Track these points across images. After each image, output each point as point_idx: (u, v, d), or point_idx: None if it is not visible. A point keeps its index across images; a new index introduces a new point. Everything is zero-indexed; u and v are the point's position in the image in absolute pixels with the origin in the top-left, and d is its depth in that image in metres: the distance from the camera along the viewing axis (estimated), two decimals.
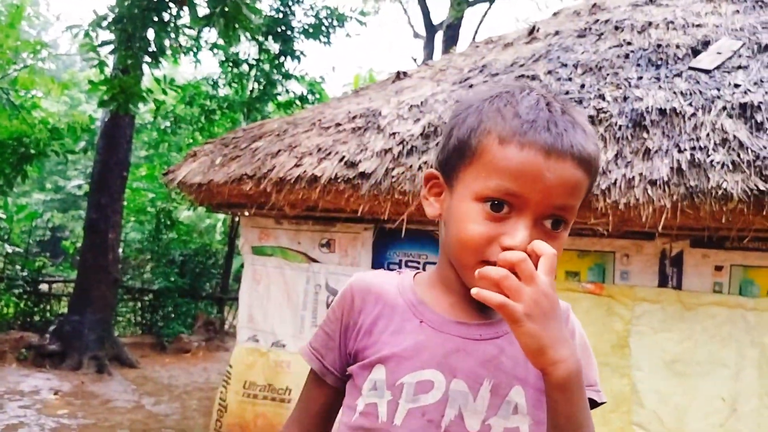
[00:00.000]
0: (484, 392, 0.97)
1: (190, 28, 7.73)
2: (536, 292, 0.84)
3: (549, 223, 0.93)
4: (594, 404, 1.03)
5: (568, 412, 0.89)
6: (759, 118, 3.48)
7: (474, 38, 14.45)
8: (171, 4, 6.97)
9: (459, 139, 0.98)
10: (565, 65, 4.51)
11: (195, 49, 10.80)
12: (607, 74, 4.26)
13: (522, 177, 0.90)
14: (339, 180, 3.95)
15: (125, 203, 10.27)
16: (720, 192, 3.14)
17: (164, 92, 9.75)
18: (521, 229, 0.90)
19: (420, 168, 3.77)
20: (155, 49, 7.28)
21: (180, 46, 8.48)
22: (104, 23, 7.04)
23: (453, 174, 0.99)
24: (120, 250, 10.19)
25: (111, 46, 7.24)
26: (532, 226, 0.91)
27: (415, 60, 14.56)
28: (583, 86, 4.17)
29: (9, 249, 9.86)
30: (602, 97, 3.97)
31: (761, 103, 3.56)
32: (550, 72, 4.46)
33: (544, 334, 0.84)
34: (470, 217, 0.93)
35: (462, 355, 0.98)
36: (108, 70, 7.96)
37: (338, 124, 4.51)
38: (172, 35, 7.73)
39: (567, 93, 4.11)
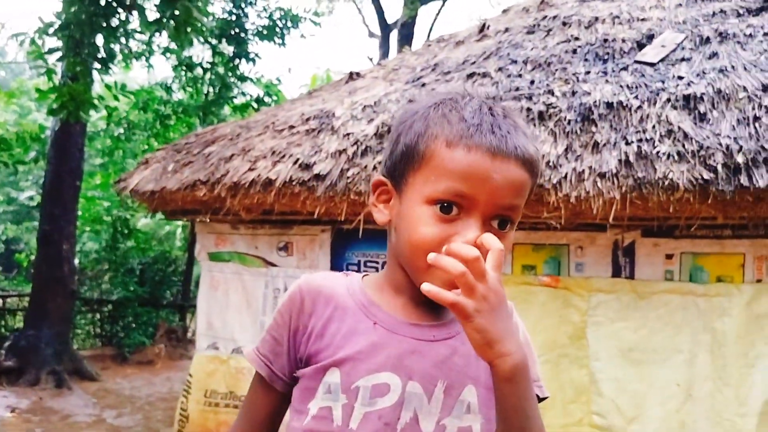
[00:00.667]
0: (438, 393, 0.98)
1: (140, 32, 7.60)
2: (487, 288, 0.86)
3: (496, 223, 0.96)
4: (538, 399, 1.05)
5: (516, 404, 0.91)
6: (702, 108, 3.57)
7: (428, 36, 14.52)
8: (119, 9, 6.83)
9: (406, 145, 1.00)
10: (515, 62, 4.56)
11: (147, 54, 10.61)
12: (556, 69, 4.32)
13: (470, 178, 0.93)
14: (294, 182, 3.92)
15: (80, 213, 10.04)
16: (667, 182, 3.21)
17: (116, 98, 9.56)
18: (472, 228, 0.93)
19: (375, 168, 3.77)
20: (105, 55, 7.13)
21: (131, 51, 8.34)
22: (51, 30, 6.87)
23: (402, 179, 1.00)
24: (76, 261, 9.95)
25: (59, 53, 7.07)
26: (481, 226, 0.94)
27: (371, 59, 14.56)
28: (532, 82, 4.22)
29: None
30: (551, 92, 4.03)
31: (704, 94, 3.65)
32: (500, 69, 4.50)
33: (493, 329, 0.86)
34: (421, 220, 0.95)
35: (416, 357, 0.98)
36: (57, 78, 7.77)
37: (292, 127, 4.48)
38: (122, 40, 7.58)
39: (517, 89, 4.16)
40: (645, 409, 3.70)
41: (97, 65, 7.10)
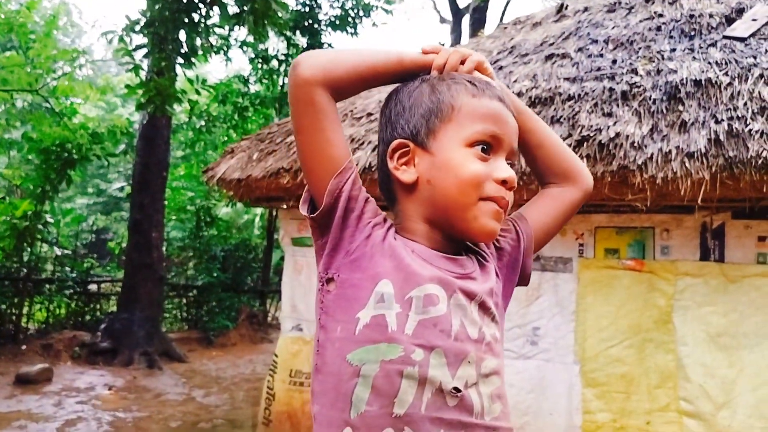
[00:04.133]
0: (474, 306, 1.07)
1: (220, 27, 7.85)
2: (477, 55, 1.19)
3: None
4: None
5: (518, 104, 1.23)
6: None
7: (501, 20, 14.30)
8: (201, 5, 7.08)
9: (433, 104, 1.11)
10: (596, 41, 4.47)
11: (225, 48, 10.94)
12: (639, 48, 4.21)
13: (499, 120, 1.09)
14: (373, 169, 3.99)
15: (166, 202, 10.49)
16: (760, 161, 3.09)
17: (197, 92, 9.90)
18: (505, 165, 1.10)
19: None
20: (187, 50, 7.41)
21: (211, 45, 8.63)
22: (137, 27, 7.19)
23: (430, 135, 1.10)
24: (163, 248, 10.42)
25: (145, 50, 7.39)
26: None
27: (443, 45, 14.47)
28: (614, 62, 4.13)
29: (58, 252, 10.17)
30: (635, 71, 3.93)
31: None
32: (580, 49, 4.42)
33: (491, 68, 1.20)
34: (467, 159, 1.07)
35: (453, 277, 1.07)
36: (143, 74, 8.13)
37: (370, 114, 4.55)
38: (203, 35, 7.86)
39: (599, 69, 4.08)
40: (735, 396, 3.59)
41: (180, 60, 7.38)
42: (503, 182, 1.07)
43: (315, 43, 11.51)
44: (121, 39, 7.53)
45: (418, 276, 1.04)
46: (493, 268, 1.16)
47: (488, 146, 1.09)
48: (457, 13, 15.28)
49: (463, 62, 1.16)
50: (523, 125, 1.22)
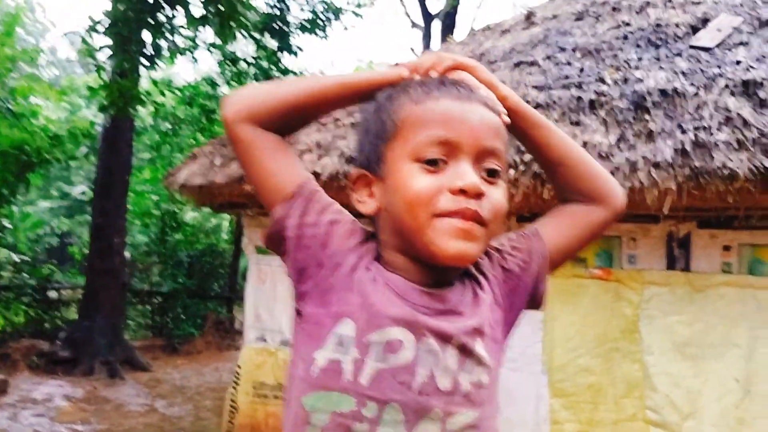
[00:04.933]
0: (452, 350, 0.95)
1: (185, 28, 7.71)
2: (457, 56, 1.06)
3: (485, 174, 0.96)
4: None
5: (538, 120, 1.11)
6: (762, 94, 3.43)
7: (472, 26, 14.37)
8: (165, 6, 6.94)
9: (377, 126, 1.01)
10: (564, 49, 4.46)
11: (192, 49, 10.76)
12: (607, 57, 4.21)
13: (447, 122, 0.94)
14: (340, 176, 3.92)
15: (130, 207, 10.28)
16: (726, 172, 3.09)
17: (162, 94, 9.73)
18: (466, 170, 0.93)
19: None
20: (152, 51, 7.26)
21: (176, 46, 8.47)
22: (100, 28, 7.02)
23: (380, 160, 1.00)
24: (127, 253, 10.20)
25: (108, 51, 7.22)
26: (472, 168, 0.94)
27: (413, 50, 14.48)
28: (582, 70, 4.12)
29: (16, 258, 9.89)
30: (602, 80, 3.93)
31: (764, 79, 3.51)
32: (548, 57, 4.41)
33: (491, 75, 1.07)
34: (410, 176, 0.94)
35: (428, 317, 0.95)
36: (106, 75, 7.95)
37: (337, 119, 4.48)
38: (168, 36, 7.71)
39: (566, 77, 4.07)
40: (701, 405, 3.59)
41: (144, 61, 7.23)
42: (461, 191, 0.92)
43: (284, 45, 11.39)
44: (83, 40, 7.35)
45: (382, 317, 0.94)
46: (488, 297, 1.03)
47: (438, 160, 0.94)
48: (428, 18, 15.30)
49: (437, 67, 1.05)
50: (541, 140, 1.11)
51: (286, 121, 1.04)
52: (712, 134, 3.27)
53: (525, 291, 1.08)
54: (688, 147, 3.25)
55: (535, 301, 1.11)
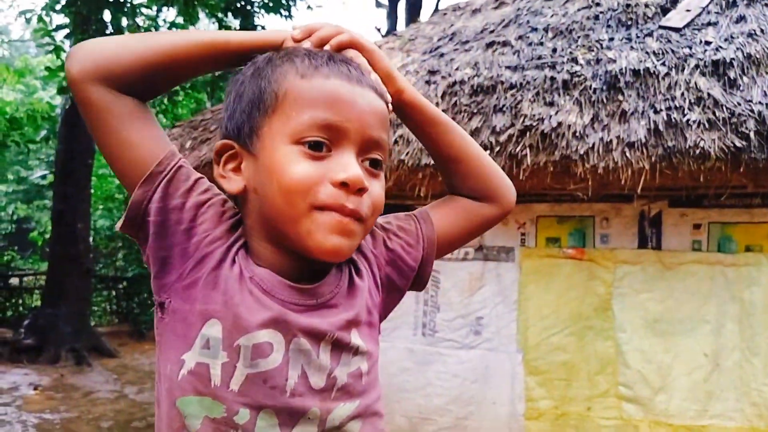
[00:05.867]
0: (325, 347, 0.90)
1: (147, 7, 7.51)
2: (355, 32, 0.97)
3: (367, 163, 0.90)
4: None
5: (434, 115, 1.05)
6: (732, 74, 3.48)
7: (437, 6, 14.30)
8: None
9: (253, 93, 0.90)
10: (536, 29, 4.46)
11: (154, 29, 10.50)
12: (578, 37, 4.23)
13: (335, 103, 0.86)
14: None
15: (92, 191, 10.04)
16: (698, 151, 3.14)
17: None
18: (350, 161, 0.86)
19: (396, 142, 3.71)
20: (112, 31, 7.06)
21: (138, 26, 8.25)
22: (58, 6, 6.80)
23: (253, 133, 0.89)
24: (90, 239, 9.98)
25: (66, 30, 7.01)
26: (357, 160, 0.88)
27: (379, 30, 14.35)
28: (555, 50, 4.13)
29: None
30: (575, 60, 3.94)
31: (733, 59, 3.56)
32: (521, 37, 4.40)
33: (387, 63, 0.98)
34: (289, 160, 0.85)
35: (298, 314, 0.89)
36: (65, 55, 7.69)
37: None
38: (129, 15, 7.50)
39: (539, 58, 4.07)
40: (672, 380, 3.68)
41: None
42: (343, 185, 0.84)
43: (248, 25, 11.18)
44: (40, 18, 7.11)
45: (248, 320, 0.86)
46: (366, 283, 0.98)
47: (322, 144, 0.86)
48: None
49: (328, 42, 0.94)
50: (437, 137, 1.06)
51: (146, 83, 0.89)
52: (684, 114, 3.31)
53: (409, 274, 1.05)
54: (660, 127, 3.29)
55: (419, 284, 1.08)
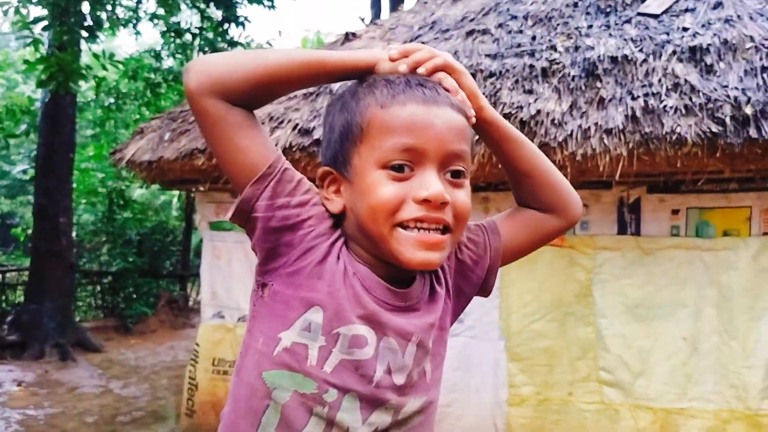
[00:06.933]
0: (411, 348, 1.01)
1: None
2: (446, 54, 1.04)
3: (449, 176, 0.97)
4: None
5: (509, 131, 1.11)
6: (708, 60, 3.50)
7: None
8: None
9: (342, 125, 1.00)
10: (515, 17, 4.46)
11: (134, 21, 10.39)
12: (558, 24, 4.24)
13: (413, 129, 0.94)
14: (294, 148, 3.86)
15: (74, 185, 9.94)
16: (674, 137, 3.17)
17: (104, 68, 9.37)
18: (431, 179, 0.94)
19: None
20: (91, 23, 6.98)
21: (117, 18, 8.15)
22: None
23: (347, 162, 0.99)
24: (73, 233, 9.90)
25: (44, 22, 6.91)
26: (438, 175, 0.95)
27: (362, 20, 14.29)
28: (534, 38, 4.14)
29: None
30: (554, 48, 3.95)
31: (710, 45, 3.59)
32: (500, 25, 4.41)
33: (473, 84, 1.05)
34: (376, 183, 0.95)
35: (390, 315, 1.00)
36: (44, 48, 7.61)
37: None
38: (108, 7, 7.41)
39: (519, 45, 4.07)
40: (651, 364, 3.73)
41: (84, 33, 6.94)
42: (425, 201, 0.93)
43: (230, 15, 11.09)
44: (17, 11, 7.01)
45: (349, 312, 0.97)
46: (443, 292, 1.08)
47: (404, 166, 0.95)
48: None
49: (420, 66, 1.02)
50: (512, 153, 1.12)
51: (254, 96, 0.99)
52: (661, 100, 3.33)
53: (476, 282, 1.14)
54: (638, 113, 3.31)
55: (484, 291, 1.16)
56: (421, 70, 1.01)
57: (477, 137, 1.10)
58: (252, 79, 0.97)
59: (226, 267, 4.70)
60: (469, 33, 4.40)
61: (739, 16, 3.80)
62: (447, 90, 1.00)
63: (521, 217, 1.17)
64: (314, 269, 0.98)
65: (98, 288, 11.21)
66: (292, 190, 0.99)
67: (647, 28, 3.93)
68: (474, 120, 1.03)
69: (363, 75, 1.02)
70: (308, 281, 0.98)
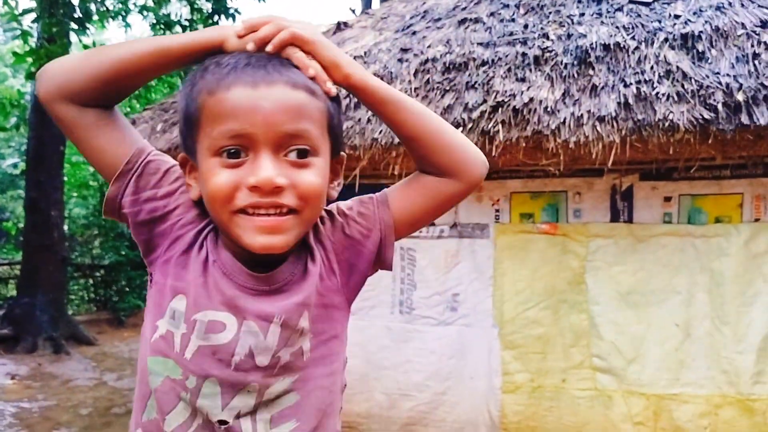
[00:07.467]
0: (274, 328, 0.99)
1: None
2: (300, 24, 0.97)
3: (293, 156, 0.94)
4: None
5: (388, 95, 1.04)
6: (700, 47, 3.51)
7: None
8: None
9: (183, 113, 0.99)
10: (507, 6, 4.46)
11: (123, 13, 10.31)
12: (550, 12, 4.23)
13: (239, 114, 0.90)
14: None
15: (65, 179, 9.89)
16: (667, 124, 3.18)
17: None
18: (262, 164, 0.90)
19: (369, 120, 3.70)
20: (81, 15, 6.93)
21: (107, 9, 8.09)
22: None
23: (192, 149, 0.98)
24: (65, 227, 9.85)
25: (33, 14, 6.86)
26: (273, 160, 0.91)
27: (353, 10, 14.22)
28: (526, 26, 4.14)
29: None
30: (546, 36, 3.95)
31: (701, 32, 3.59)
32: (492, 14, 4.40)
33: (333, 51, 0.99)
34: (211, 171, 0.93)
35: (251, 300, 0.99)
36: (33, 40, 7.55)
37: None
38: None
39: (511, 34, 4.07)
40: (644, 350, 3.75)
41: (73, 25, 6.89)
42: (255, 188, 0.91)
43: (220, 7, 11.02)
44: (5, 2, 6.95)
45: (207, 300, 0.99)
46: (318, 269, 1.04)
47: (239, 151, 0.92)
48: None
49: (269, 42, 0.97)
50: (391, 116, 1.05)
51: (104, 94, 0.99)
52: (653, 87, 3.34)
53: (368, 256, 1.09)
54: (631, 100, 3.31)
55: (382, 264, 1.11)
56: (268, 48, 0.96)
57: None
58: (97, 79, 0.97)
59: None
60: (461, 22, 4.39)
61: (730, 3, 3.81)
62: (296, 66, 0.96)
63: (417, 184, 1.10)
64: (180, 258, 1.01)
65: (91, 281, 11.18)
66: (158, 182, 1.01)
67: (639, 15, 3.93)
68: (333, 91, 0.98)
69: (212, 55, 0.98)
70: (176, 270, 1.01)
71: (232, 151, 0.92)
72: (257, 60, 0.94)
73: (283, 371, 1.01)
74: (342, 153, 1.08)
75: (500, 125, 3.46)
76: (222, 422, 0.98)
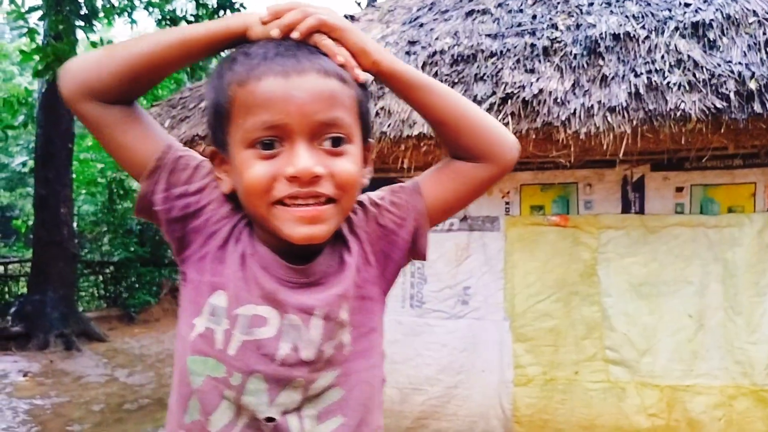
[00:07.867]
0: (316, 321, 0.97)
1: None
2: (325, 10, 0.95)
3: (328, 144, 0.93)
4: None
5: (413, 78, 1.03)
6: (711, 35, 3.48)
7: None
8: None
9: (212, 106, 0.98)
10: None
11: (129, 9, 10.32)
12: (558, 2, 4.19)
13: (272, 105, 0.89)
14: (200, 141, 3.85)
15: (74, 176, 9.93)
16: (678, 113, 3.14)
17: None
18: (298, 154, 0.90)
19: (377, 114, 3.69)
20: (87, 12, 6.93)
21: (113, 6, 8.09)
22: None
23: (224, 142, 0.97)
24: (74, 224, 9.90)
25: (40, 12, 6.87)
26: (308, 149, 0.91)
27: (359, 3, 14.20)
28: (534, 17, 4.10)
29: None
30: (555, 26, 3.91)
31: (712, 20, 3.55)
32: (500, 5, 4.37)
33: (361, 37, 0.97)
34: (245, 163, 0.92)
35: (291, 292, 0.98)
36: (40, 38, 7.56)
37: None
38: None
39: (519, 25, 4.04)
40: (657, 341, 3.73)
41: (80, 22, 6.89)
42: (294, 178, 0.89)
43: (225, 2, 11.00)
44: (12, 0, 6.96)
45: (249, 293, 0.97)
46: (355, 260, 1.03)
47: (273, 142, 0.91)
48: None
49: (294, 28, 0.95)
50: (420, 101, 1.04)
51: (128, 90, 0.97)
52: (664, 77, 3.31)
53: (403, 246, 1.07)
54: (641, 90, 3.28)
55: (417, 254, 1.10)
56: (294, 35, 0.94)
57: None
58: (123, 74, 0.95)
59: None
60: (469, 13, 4.36)
61: None
62: (325, 53, 0.95)
63: (448, 170, 1.09)
64: (217, 253, 0.99)
65: (100, 278, 11.24)
66: (189, 177, 0.99)
67: (649, 4, 3.89)
68: (362, 78, 0.97)
69: (237, 43, 0.97)
70: (213, 266, 0.98)
71: (267, 142, 0.91)
72: (286, 49, 0.93)
73: (327, 365, 0.99)
74: (370, 140, 1.05)
75: (510, 117, 3.43)
76: (269, 419, 0.96)
